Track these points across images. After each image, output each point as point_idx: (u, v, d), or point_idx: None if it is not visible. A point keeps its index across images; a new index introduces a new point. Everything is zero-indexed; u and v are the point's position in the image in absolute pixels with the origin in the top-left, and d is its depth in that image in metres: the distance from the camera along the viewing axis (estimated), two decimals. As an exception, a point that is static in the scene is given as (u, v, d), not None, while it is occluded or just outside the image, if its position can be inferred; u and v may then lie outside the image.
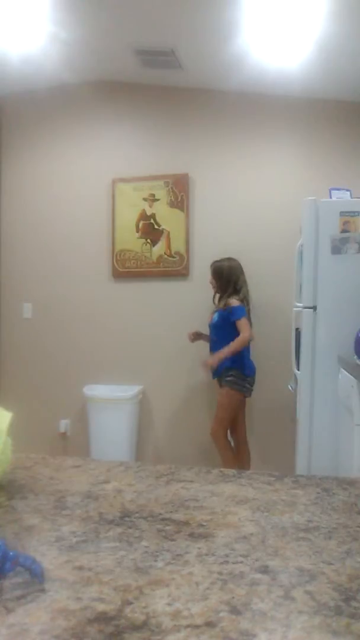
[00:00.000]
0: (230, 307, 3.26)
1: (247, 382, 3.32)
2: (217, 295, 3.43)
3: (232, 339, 3.22)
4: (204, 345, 3.79)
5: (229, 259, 3.41)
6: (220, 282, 3.38)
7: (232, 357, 3.26)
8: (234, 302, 3.27)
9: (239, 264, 3.41)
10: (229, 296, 3.32)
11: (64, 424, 3.99)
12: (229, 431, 3.38)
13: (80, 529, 0.66)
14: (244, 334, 3.22)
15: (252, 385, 3.35)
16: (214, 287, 3.44)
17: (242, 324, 3.22)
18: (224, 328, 3.28)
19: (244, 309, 3.28)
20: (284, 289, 3.49)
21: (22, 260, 4.10)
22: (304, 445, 2.82)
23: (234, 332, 3.24)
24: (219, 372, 3.33)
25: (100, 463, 0.95)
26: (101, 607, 0.48)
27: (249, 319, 3.33)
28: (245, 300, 3.34)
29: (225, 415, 3.30)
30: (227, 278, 3.35)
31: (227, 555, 0.59)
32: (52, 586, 0.52)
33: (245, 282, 3.40)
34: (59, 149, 4.01)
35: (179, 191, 3.77)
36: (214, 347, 3.33)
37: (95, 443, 3.64)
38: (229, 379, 3.28)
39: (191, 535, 0.65)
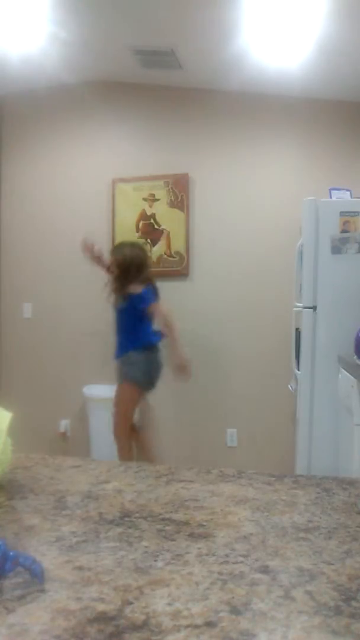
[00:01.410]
0: (133, 295, 3.03)
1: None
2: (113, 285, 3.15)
3: (136, 327, 3.08)
4: (205, 345, 3.79)
5: (132, 244, 3.24)
6: (121, 269, 3.11)
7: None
8: (137, 288, 3.04)
9: (143, 251, 3.23)
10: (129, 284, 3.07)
11: (64, 424, 3.99)
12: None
13: (80, 529, 0.66)
14: (165, 317, 3.01)
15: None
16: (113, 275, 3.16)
17: (154, 307, 3.03)
18: (128, 313, 3.09)
19: (151, 295, 3.07)
20: (284, 289, 3.49)
21: (22, 260, 4.10)
22: (304, 445, 2.82)
23: (140, 319, 3.06)
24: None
25: (100, 463, 0.95)
26: (101, 607, 0.48)
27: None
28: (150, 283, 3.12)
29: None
30: (128, 266, 3.09)
31: (227, 555, 0.59)
32: (52, 586, 0.52)
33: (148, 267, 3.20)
34: (59, 149, 4.01)
35: (179, 191, 3.77)
36: (117, 332, 3.17)
37: (95, 443, 3.64)
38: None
39: (191, 535, 0.65)
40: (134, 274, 3.07)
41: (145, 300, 3.04)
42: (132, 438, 3.21)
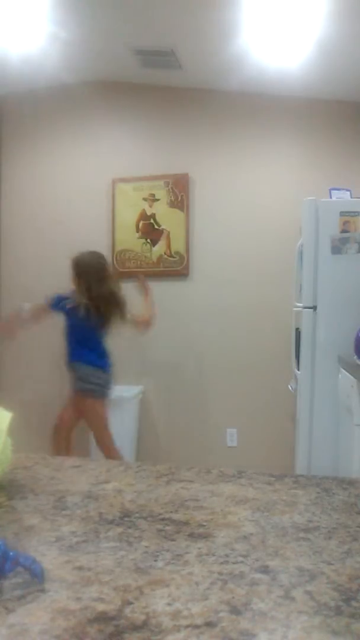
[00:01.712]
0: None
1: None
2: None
3: (82, 337, 3.11)
4: (206, 345, 3.80)
5: (91, 252, 3.16)
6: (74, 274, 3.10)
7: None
8: (63, 292, 3.09)
9: (98, 260, 3.13)
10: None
11: (64, 424, 3.98)
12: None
13: (80, 529, 0.66)
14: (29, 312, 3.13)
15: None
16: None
17: (40, 303, 3.11)
18: (70, 327, 3.12)
19: (56, 301, 3.08)
20: (284, 289, 3.49)
21: (22, 260, 4.10)
22: (304, 445, 2.82)
23: (81, 330, 3.08)
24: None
25: (100, 463, 0.95)
26: (101, 607, 0.48)
27: (101, 319, 3.06)
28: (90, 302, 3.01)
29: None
30: (79, 272, 3.08)
31: (227, 555, 0.59)
32: (52, 586, 0.52)
33: (100, 282, 3.05)
34: (59, 149, 4.01)
35: (179, 191, 3.77)
36: (67, 351, 3.18)
37: (95, 443, 3.63)
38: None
39: (191, 535, 0.65)
40: (82, 281, 3.07)
41: (50, 299, 3.12)
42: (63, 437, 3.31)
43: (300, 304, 2.86)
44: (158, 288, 3.86)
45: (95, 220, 3.92)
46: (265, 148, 3.70)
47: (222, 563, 0.57)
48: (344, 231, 2.75)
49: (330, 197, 2.96)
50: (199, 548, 0.61)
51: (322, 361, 2.79)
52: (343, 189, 3.03)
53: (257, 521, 0.69)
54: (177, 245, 3.78)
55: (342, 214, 2.75)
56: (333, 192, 3.00)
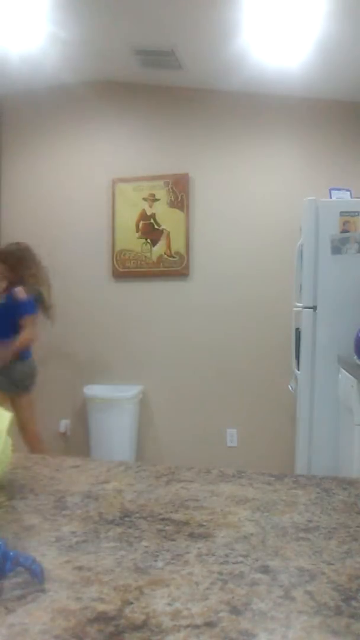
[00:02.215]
0: (17, 299, 3.05)
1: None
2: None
3: (14, 331, 3.04)
4: (205, 345, 3.80)
5: (17, 244, 3.24)
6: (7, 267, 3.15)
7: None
8: (22, 294, 3.06)
9: (26, 252, 3.20)
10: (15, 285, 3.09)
11: (64, 424, 3.99)
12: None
13: (80, 529, 0.66)
14: (28, 333, 3.04)
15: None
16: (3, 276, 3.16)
17: (28, 321, 3.05)
18: (6, 318, 3.08)
19: (33, 306, 3.10)
20: (284, 289, 3.49)
21: (22, 260, 4.09)
22: (304, 445, 2.82)
23: (16, 324, 3.06)
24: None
25: (100, 463, 0.95)
26: (101, 607, 0.48)
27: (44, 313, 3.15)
28: (37, 294, 3.12)
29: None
30: (14, 264, 3.13)
31: (227, 555, 0.59)
32: (52, 586, 0.52)
33: (35, 274, 3.18)
34: (59, 149, 4.01)
35: (179, 191, 3.77)
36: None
37: (95, 443, 3.64)
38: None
39: (191, 535, 0.65)
40: (19, 269, 3.13)
41: (28, 309, 3.07)
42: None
43: (300, 304, 2.86)
44: (158, 288, 3.87)
45: (95, 220, 3.92)
46: (265, 148, 3.70)
47: (222, 563, 0.57)
48: (344, 231, 2.75)
49: (330, 197, 2.97)
50: (199, 548, 0.61)
51: (322, 361, 2.79)
52: (343, 189, 3.03)
53: (257, 521, 0.69)
54: (177, 245, 3.78)
55: (342, 214, 2.75)
56: (333, 192, 3.01)
